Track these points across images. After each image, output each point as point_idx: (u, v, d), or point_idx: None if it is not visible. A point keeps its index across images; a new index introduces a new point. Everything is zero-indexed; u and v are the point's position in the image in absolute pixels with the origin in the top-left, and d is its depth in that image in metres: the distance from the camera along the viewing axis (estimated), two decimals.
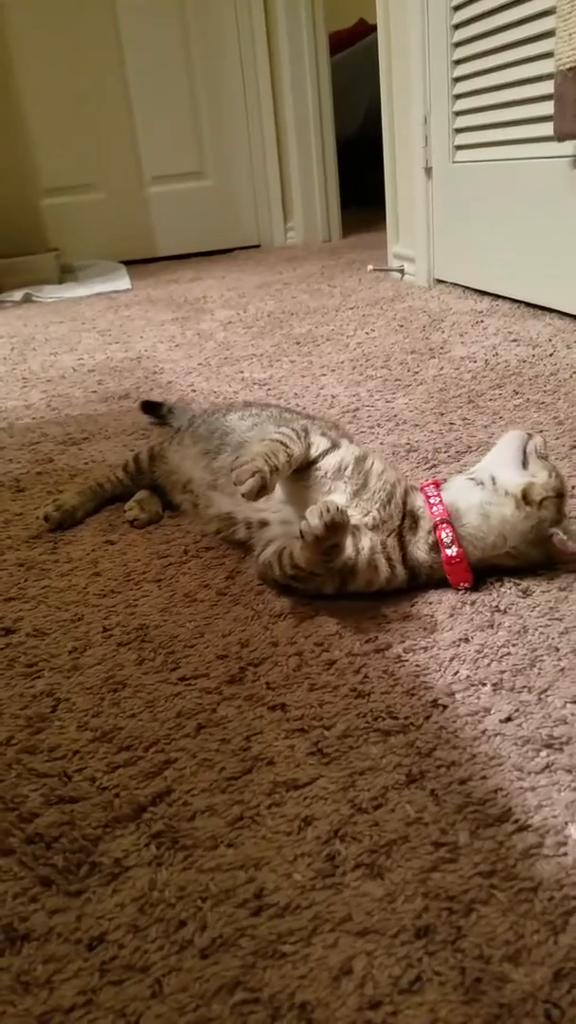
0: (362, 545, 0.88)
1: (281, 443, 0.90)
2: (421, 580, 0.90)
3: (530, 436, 0.98)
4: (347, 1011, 0.48)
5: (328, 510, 0.80)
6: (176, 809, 0.65)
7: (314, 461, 0.94)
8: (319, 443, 0.95)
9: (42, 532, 1.16)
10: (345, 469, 0.92)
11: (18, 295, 3.20)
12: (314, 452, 0.94)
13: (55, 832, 0.63)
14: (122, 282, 3.36)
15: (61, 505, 1.17)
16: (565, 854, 0.57)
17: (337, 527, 0.81)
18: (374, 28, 2.70)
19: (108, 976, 0.52)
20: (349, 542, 0.87)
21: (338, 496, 0.91)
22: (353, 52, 4.42)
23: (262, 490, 0.85)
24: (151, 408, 1.59)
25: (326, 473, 0.93)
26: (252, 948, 0.53)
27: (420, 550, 0.89)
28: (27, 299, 3.20)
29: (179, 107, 3.81)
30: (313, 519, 0.80)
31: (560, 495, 0.90)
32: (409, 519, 0.91)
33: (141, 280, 3.43)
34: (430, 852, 0.58)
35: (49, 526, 1.16)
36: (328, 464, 0.93)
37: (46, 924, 0.56)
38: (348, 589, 0.89)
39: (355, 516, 0.90)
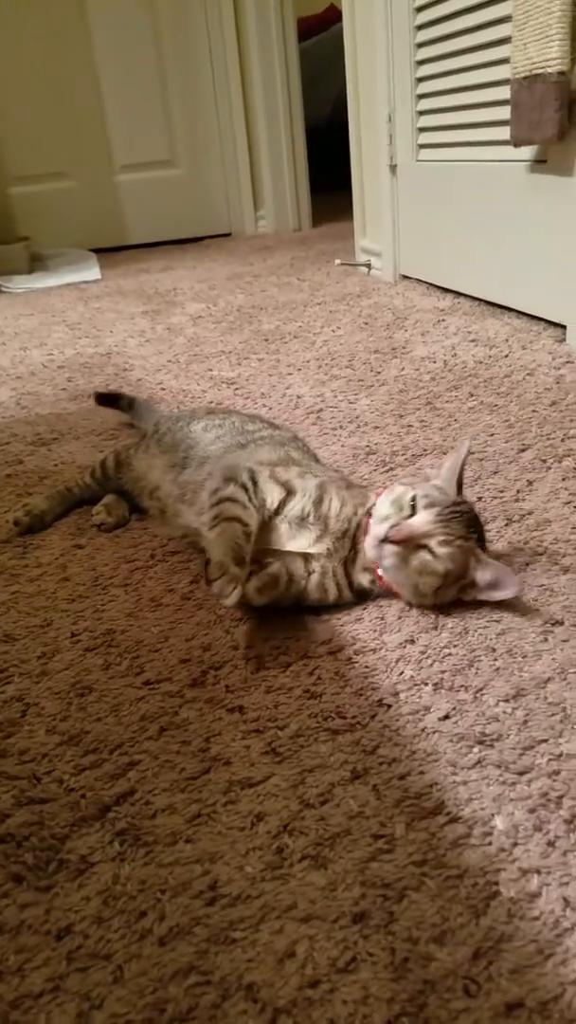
0: (313, 568, 0.94)
1: (237, 520, 0.91)
2: (371, 597, 0.96)
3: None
4: (289, 990, 0.54)
5: (261, 583, 0.88)
6: (138, 808, 0.70)
7: (277, 511, 0.96)
8: (272, 495, 0.96)
9: (12, 536, 1.20)
10: (308, 517, 0.95)
11: None
12: (270, 505, 0.96)
13: (25, 831, 0.68)
14: (92, 272, 3.37)
15: (31, 510, 1.21)
16: (490, 843, 0.63)
17: (272, 588, 0.90)
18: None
19: (75, 964, 0.57)
20: (301, 566, 0.94)
21: (303, 540, 0.95)
22: (322, 39, 4.42)
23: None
24: (107, 400, 1.61)
25: (291, 524, 0.95)
26: (206, 935, 0.58)
27: (363, 579, 0.95)
28: None
29: (149, 95, 3.80)
30: (251, 593, 0.89)
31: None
32: (352, 552, 0.95)
33: (111, 269, 3.44)
34: (369, 844, 0.64)
35: (19, 530, 1.20)
36: (291, 514, 0.95)
37: (17, 917, 0.61)
38: (303, 604, 0.95)
39: (311, 547, 0.94)
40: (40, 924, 0.61)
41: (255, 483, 0.97)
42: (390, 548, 0.89)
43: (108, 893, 0.62)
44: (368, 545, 0.92)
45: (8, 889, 0.63)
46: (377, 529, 0.91)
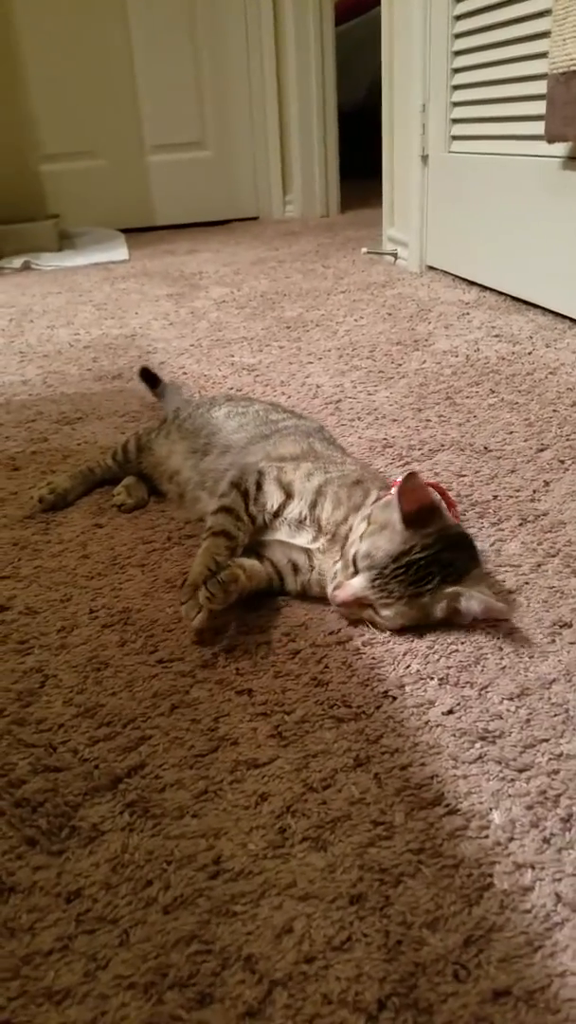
0: (314, 564, 0.97)
1: (224, 535, 0.96)
2: None
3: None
4: (285, 964, 0.57)
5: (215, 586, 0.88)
6: (148, 781, 0.73)
7: (277, 513, 0.99)
8: (273, 499, 0.99)
9: (35, 512, 1.23)
10: (304, 520, 0.98)
11: (17, 262, 3.22)
12: (270, 509, 0.99)
13: (40, 798, 0.71)
14: (120, 252, 3.38)
15: (55, 488, 1.23)
16: (486, 837, 0.65)
17: (229, 590, 0.89)
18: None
19: (83, 926, 0.60)
20: (306, 559, 0.97)
21: (302, 540, 0.98)
22: (359, 23, 4.38)
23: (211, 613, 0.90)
24: (149, 378, 1.63)
25: (290, 525, 0.99)
26: (208, 907, 0.61)
27: None
28: (26, 267, 3.22)
29: (182, 75, 3.79)
30: (203, 601, 0.89)
31: None
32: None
33: (138, 249, 3.45)
34: (369, 829, 0.66)
35: (42, 507, 1.23)
36: (290, 517, 0.99)
37: (30, 879, 0.64)
38: (307, 596, 0.98)
39: (312, 544, 0.98)
40: (51, 886, 0.63)
41: (260, 487, 1.00)
42: (343, 607, 0.92)
43: (117, 861, 0.65)
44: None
45: (22, 852, 0.66)
46: (328, 589, 0.93)
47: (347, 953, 0.57)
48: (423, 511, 0.88)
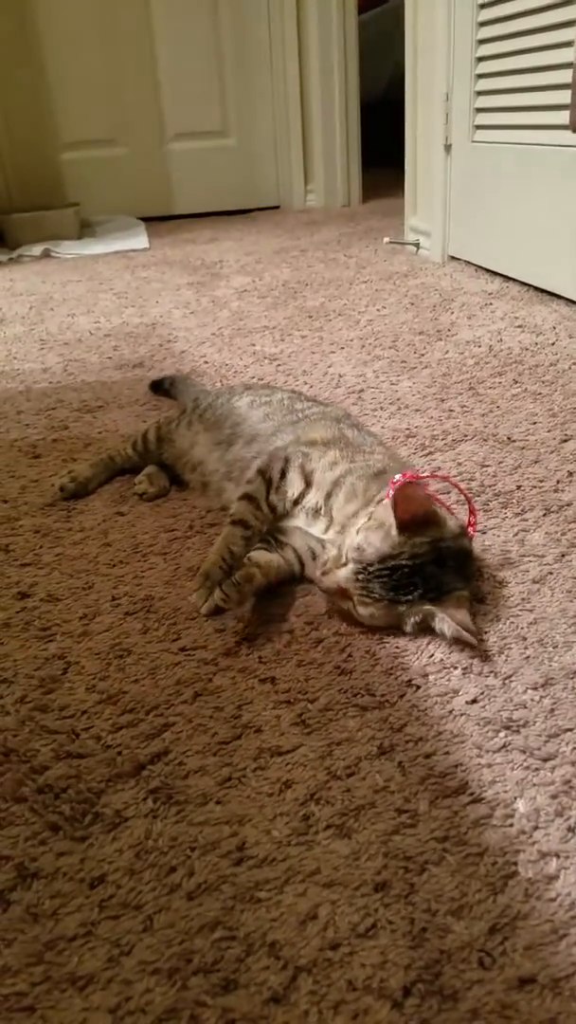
0: (330, 553, 0.96)
1: (242, 525, 0.97)
2: None
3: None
4: (310, 950, 0.57)
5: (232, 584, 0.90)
6: (172, 768, 0.73)
7: (296, 501, 1.00)
8: (294, 488, 1.00)
9: (56, 500, 1.23)
10: (320, 510, 0.98)
11: (37, 250, 3.22)
12: (291, 497, 1.00)
13: (63, 784, 0.72)
14: (140, 240, 3.38)
15: (76, 477, 1.24)
16: (511, 825, 0.65)
17: (243, 591, 0.91)
18: None
19: (106, 911, 0.60)
20: (321, 549, 0.97)
21: (316, 529, 0.99)
22: (382, 12, 4.35)
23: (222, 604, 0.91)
24: (158, 387, 1.66)
25: (307, 514, 1.00)
26: (232, 893, 0.61)
27: None
28: (46, 254, 3.22)
29: (204, 64, 3.77)
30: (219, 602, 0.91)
31: None
32: None
33: (159, 238, 3.45)
34: (393, 817, 0.66)
35: (63, 495, 1.23)
36: (307, 506, 0.99)
37: (53, 864, 0.64)
38: None
39: (324, 534, 0.98)
40: (75, 872, 0.64)
41: (284, 475, 1.01)
42: (326, 593, 0.92)
43: (140, 847, 0.65)
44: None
45: (46, 837, 0.67)
46: (316, 572, 0.94)
47: (372, 940, 0.57)
48: (417, 520, 0.86)
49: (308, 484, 1.00)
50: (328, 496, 0.98)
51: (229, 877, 0.62)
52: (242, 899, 0.61)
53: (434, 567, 0.85)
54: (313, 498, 0.99)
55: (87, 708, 0.81)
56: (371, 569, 0.86)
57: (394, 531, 0.86)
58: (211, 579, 0.94)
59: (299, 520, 1.00)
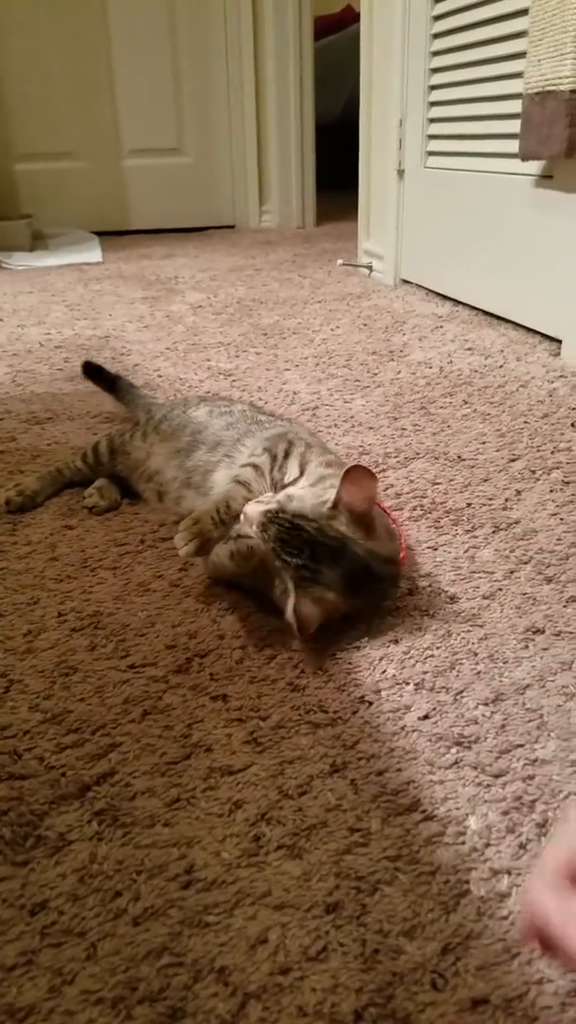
0: None
1: (246, 486, 0.97)
2: None
3: None
4: (260, 975, 0.55)
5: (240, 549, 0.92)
6: (118, 789, 0.71)
7: (287, 487, 0.99)
8: (291, 472, 1.00)
9: (2, 513, 1.20)
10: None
11: None
12: (287, 480, 0.99)
13: (4, 806, 0.69)
14: (93, 254, 3.36)
15: (23, 490, 1.21)
16: (463, 843, 0.64)
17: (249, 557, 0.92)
18: (360, 16, 2.72)
19: (48, 939, 0.58)
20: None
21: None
22: (338, 39, 4.43)
23: (200, 550, 0.92)
24: (93, 371, 1.58)
25: None
26: (180, 918, 0.59)
27: None
28: None
29: (162, 80, 3.78)
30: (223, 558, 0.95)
31: None
32: None
33: (113, 252, 3.43)
34: (345, 836, 0.65)
35: (9, 509, 1.20)
36: None
37: None
38: None
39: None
40: (15, 898, 0.61)
41: (287, 456, 1.02)
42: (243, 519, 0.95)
43: (84, 871, 0.63)
44: None
45: None
46: (245, 504, 0.95)
47: (323, 963, 0.56)
48: (354, 511, 0.88)
49: (301, 473, 1.00)
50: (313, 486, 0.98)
51: (177, 901, 0.60)
52: (190, 924, 0.59)
53: (329, 559, 0.86)
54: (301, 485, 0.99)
55: (30, 728, 0.78)
56: (282, 517, 0.87)
57: (328, 506, 0.88)
58: (200, 525, 0.92)
59: None
